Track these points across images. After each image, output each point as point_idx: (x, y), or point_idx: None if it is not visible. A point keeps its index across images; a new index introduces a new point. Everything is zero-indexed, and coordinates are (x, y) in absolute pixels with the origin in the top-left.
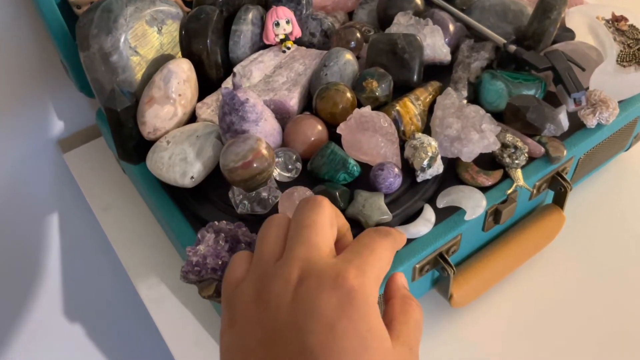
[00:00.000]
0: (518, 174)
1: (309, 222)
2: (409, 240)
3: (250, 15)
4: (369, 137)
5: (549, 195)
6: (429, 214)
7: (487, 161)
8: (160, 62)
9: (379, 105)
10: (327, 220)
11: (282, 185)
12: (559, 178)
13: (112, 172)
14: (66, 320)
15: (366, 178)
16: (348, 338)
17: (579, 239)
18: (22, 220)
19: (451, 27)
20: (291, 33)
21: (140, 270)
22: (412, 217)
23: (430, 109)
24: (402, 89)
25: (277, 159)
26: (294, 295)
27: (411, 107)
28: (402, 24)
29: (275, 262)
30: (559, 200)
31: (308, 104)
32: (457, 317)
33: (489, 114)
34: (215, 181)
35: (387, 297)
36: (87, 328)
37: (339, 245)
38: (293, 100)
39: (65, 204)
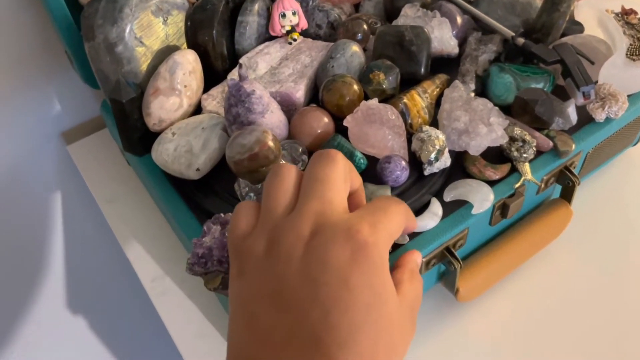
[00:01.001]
0: (526, 167)
1: (322, 176)
2: (416, 234)
3: (256, 6)
4: (376, 130)
5: (556, 190)
6: (436, 207)
7: (495, 155)
8: (165, 53)
9: (386, 98)
10: (340, 175)
11: None
12: (567, 172)
13: (116, 164)
14: (70, 313)
15: (373, 171)
16: (360, 291)
17: (586, 234)
18: (26, 212)
19: (459, 20)
20: (297, 24)
21: (144, 263)
22: (418, 210)
23: (437, 102)
24: (409, 82)
25: (283, 151)
26: (307, 249)
27: (418, 100)
28: (409, 15)
29: (285, 215)
30: (567, 195)
31: (314, 96)
32: (463, 312)
33: (496, 107)
34: (221, 173)
35: (396, 265)
36: (91, 320)
37: (352, 200)
38: (299, 92)
39: (69, 196)
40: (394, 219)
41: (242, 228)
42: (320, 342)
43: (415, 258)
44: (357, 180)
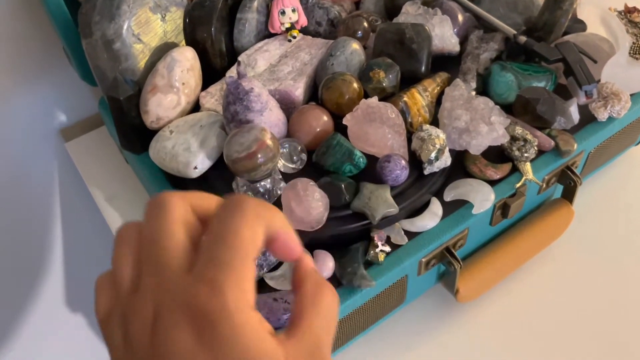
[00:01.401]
0: (527, 167)
1: (152, 235)
2: (416, 234)
3: (255, 3)
4: (376, 129)
5: (557, 189)
6: (436, 207)
7: (496, 154)
8: (163, 50)
9: (386, 96)
10: (174, 226)
11: (287, 177)
12: (569, 172)
13: (114, 162)
14: (68, 311)
15: (372, 170)
16: None
17: (588, 234)
18: (24, 209)
19: (460, 17)
20: (297, 22)
21: None
22: (418, 210)
23: (438, 101)
24: (409, 80)
25: (281, 150)
26: (152, 336)
27: (419, 99)
28: (410, 13)
29: (131, 292)
30: (568, 195)
31: (313, 94)
32: (462, 312)
33: (498, 106)
34: (219, 171)
35: (295, 287)
36: (89, 319)
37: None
38: (298, 90)
39: (67, 193)
40: (242, 245)
41: (103, 309)
42: None
43: (309, 265)
44: (210, 205)
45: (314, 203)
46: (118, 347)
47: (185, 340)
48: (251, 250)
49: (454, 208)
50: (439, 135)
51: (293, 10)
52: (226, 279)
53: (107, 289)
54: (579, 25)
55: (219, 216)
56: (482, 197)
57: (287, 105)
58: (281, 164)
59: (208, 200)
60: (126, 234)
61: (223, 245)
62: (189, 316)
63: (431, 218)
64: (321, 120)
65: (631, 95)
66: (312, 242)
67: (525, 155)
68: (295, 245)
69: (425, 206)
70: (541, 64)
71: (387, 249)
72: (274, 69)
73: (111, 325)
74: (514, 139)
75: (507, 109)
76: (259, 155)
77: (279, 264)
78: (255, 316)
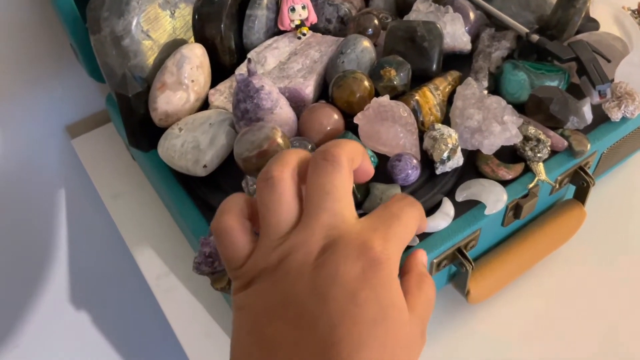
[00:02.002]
0: (540, 167)
1: (329, 187)
2: (427, 235)
3: (265, 0)
4: (388, 128)
5: (569, 190)
6: (448, 207)
7: (508, 154)
8: (172, 47)
9: (397, 95)
10: (348, 183)
11: None
12: (582, 172)
13: (121, 159)
14: (73, 308)
15: (383, 170)
16: (369, 307)
17: (599, 235)
18: (29, 207)
19: (471, 15)
20: (307, 19)
21: (149, 260)
22: (430, 210)
23: (449, 100)
24: (420, 79)
25: (292, 148)
26: (317, 263)
27: (430, 97)
28: (421, 11)
29: (290, 229)
30: (581, 196)
31: (323, 92)
32: (473, 313)
33: (510, 106)
34: (228, 170)
35: (404, 271)
36: (94, 317)
37: (358, 172)
38: (308, 89)
39: (73, 190)
40: (408, 226)
41: (239, 253)
42: (325, 357)
43: (421, 259)
44: (363, 159)
45: None
46: (264, 271)
47: (352, 272)
48: (411, 229)
49: (465, 209)
50: (451, 135)
51: (303, 7)
52: (393, 238)
53: (240, 234)
54: (591, 24)
55: (396, 202)
56: (494, 198)
57: (297, 104)
58: None
59: (360, 155)
60: (279, 183)
61: (396, 219)
62: (359, 257)
63: (443, 218)
64: (332, 118)
65: None
66: None
67: (539, 155)
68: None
69: (436, 206)
70: (554, 63)
71: None
72: (283, 67)
73: (256, 257)
74: (526, 138)
75: (519, 108)
76: (270, 154)
77: None
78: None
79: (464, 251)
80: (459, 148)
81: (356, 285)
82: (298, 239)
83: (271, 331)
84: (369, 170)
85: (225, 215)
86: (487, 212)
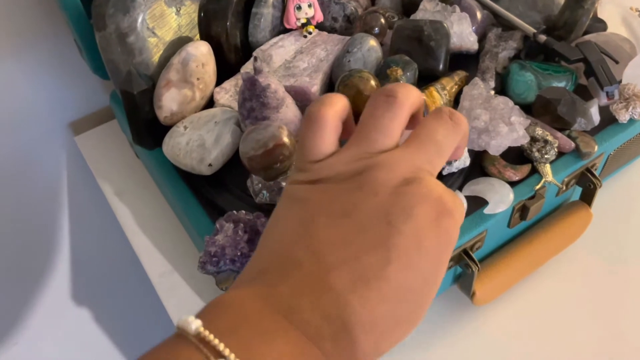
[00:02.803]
0: (547, 169)
1: (442, 141)
2: None
3: None
4: None
5: (576, 192)
6: (460, 197)
7: (515, 155)
8: (178, 44)
9: None
10: (454, 146)
11: None
12: (589, 174)
13: (125, 157)
14: (75, 305)
15: None
16: (427, 258)
17: (606, 237)
18: (32, 203)
19: (478, 15)
20: (313, 17)
21: (152, 258)
22: None
23: (456, 100)
24: (427, 78)
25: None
26: (396, 191)
27: (437, 97)
28: (428, 10)
29: (381, 151)
30: (587, 197)
31: (329, 91)
32: (478, 315)
33: (517, 106)
34: (234, 169)
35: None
36: (96, 313)
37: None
38: (314, 87)
39: (76, 188)
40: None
41: (322, 148)
42: (360, 286)
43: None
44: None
45: None
46: (339, 174)
47: (428, 215)
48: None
49: (472, 209)
50: None
51: (309, 6)
52: (461, 208)
53: (331, 132)
54: (599, 24)
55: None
56: (498, 199)
57: (303, 102)
58: None
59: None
60: (398, 106)
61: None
62: (437, 205)
63: None
64: None
65: None
66: None
67: (546, 156)
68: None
69: None
70: (561, 63)
71: None
72: (289, 65)
73: (337, 157)
74: (534, 139)
75: (526, 109)
76: (276, 153)
77: None
78: None
79: (470, 252)
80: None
81: (426, 231)
82: (386, 160)
83: (325, 233)
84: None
85: (327, 106)
86: (487, 211)
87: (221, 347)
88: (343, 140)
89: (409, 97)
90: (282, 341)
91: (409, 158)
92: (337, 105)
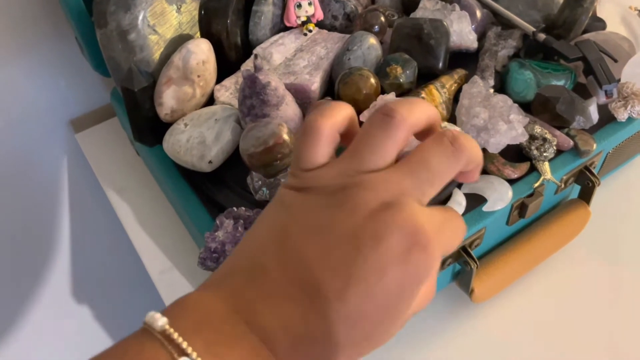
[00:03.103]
0: (546, 167)
1: (435, 168)
2: None
3: None
4: None
5: (574, 190)
6: (459, 197)
7: (514, 153)
8: (178, 42)
9: (403, 92)
10: (451, 174)
11: None
12: (587, 172)
13: (125, 154)
14: (75, 303)
15: None
16: (388, 291)
17: (604, 235)
18: (32, 201)
19: (478, 13)
20: (313, 15)
21: (153, 254)
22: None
23: (455, 98)
24: (426, 76)
25: None
26: (372, 214)
27: (437, 95)
28: (428, 8)
29: (372, 170)
30: (586, 195)
31: (329, 89)
32: (477, 312)
33: (516, 104)
34: (234, 166)
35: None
36: (97, 311)
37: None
38: (314, 85)
39: (76, 185)
40: (459, 229)
41: (314, 158)
42: (319, 303)
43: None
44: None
45: None
46: (323, 188)
47: (398, 245)
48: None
49: (471, 207)
50: None
51: (309, 4)
52: (449, 241)
53: (326, 144)
54: (598, 23)
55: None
56: (497, 196)
57: (303, 100)
58: None
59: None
60: (398, 129)
61: (452, 220)
62: (411, 236)
63: (456, 208)
64: None
65: None
66: None
67: (545, 154)
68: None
69: (445, 201)
70: (560, 62)
71: None
72: (289, 63)
73: (324, 170)
74: (532, 137)
75: (525, 107)
76: (276, 150)
77: None
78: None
79: (469, 250)
80: None
81: (391, 260)
82: (373, 180)
83: (296, 245)
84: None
85: (324, 118)
86: (485, 209)
87: (184, 345)
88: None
89: (410, 116)
90: (241, 345)
91: (396, 181)
92: (337, 117)
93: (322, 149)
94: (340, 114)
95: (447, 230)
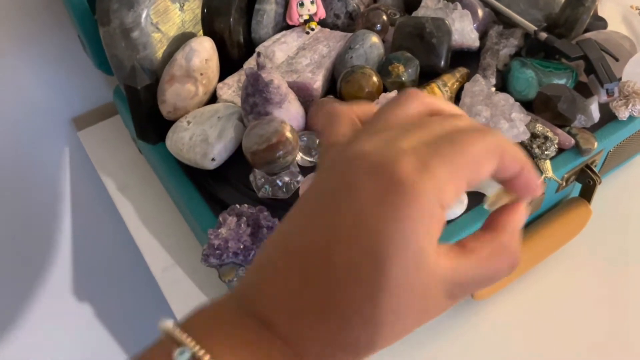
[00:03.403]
0: (547, 165)
1: (467, 149)
2: None
3: None
4: None
5: (575, 188)
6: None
7: None
8: (181, 40)
9: None
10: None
11: (305, 170)
12: (588, 171)
13: (127, 151)
14: (78, 301)
15: None
16: (368, 234)
17: (605, 233)
18: (34, 198)
19: (480, 12)
20: (315, 14)
21: (155, 252)
22: None
23: (457, 96)
24: (428, 75)
25: (300, 143)
26: (349, 163)
27: (439, 93)
28: (430, 7)
29: (379, 132)
30: (587, 194)
31: (331, 87)
32: (478, 310)
33: (518, 103)
34: (236, 163)
35: (486, 224)
36: (99, 309)
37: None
38: (317, 83)
39: (79, 183)
40: (471, 155)
41: (337, 137)
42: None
43: (517, 219)
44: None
45: None
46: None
47: (366, 189)
48: (475, 169)
49: (472, 205)
50: None
51: (312, 2)
52: (439, 167)
53: (346, 125)
54: (599, 22)
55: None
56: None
57: (305, 98)
58: (299, 157)
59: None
60: (413, 104)
61: (448, 140)
62: (387, 173)
63: (458, 205)
64: None
65: None
66: None
67: (546, 153)
68: (535, 182)
69: None
70: (562, 61)
71: None
72: (291, 61)
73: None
74: (534, 136)
75: (527, 105)
76: (279, 148)
77: None
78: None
79: None
80: None
81: (368, 210)
82: (369, 137)
83: (310, 206)
84: (532, 183)
85: (343, 104)
86: (486, 206)
87: (192, 343)
88: None
89: (425, 95)
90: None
91: (413, 149)
92: (356, 106)
93: (341, 128)
94: (360, 106)
95: (447, 147)
